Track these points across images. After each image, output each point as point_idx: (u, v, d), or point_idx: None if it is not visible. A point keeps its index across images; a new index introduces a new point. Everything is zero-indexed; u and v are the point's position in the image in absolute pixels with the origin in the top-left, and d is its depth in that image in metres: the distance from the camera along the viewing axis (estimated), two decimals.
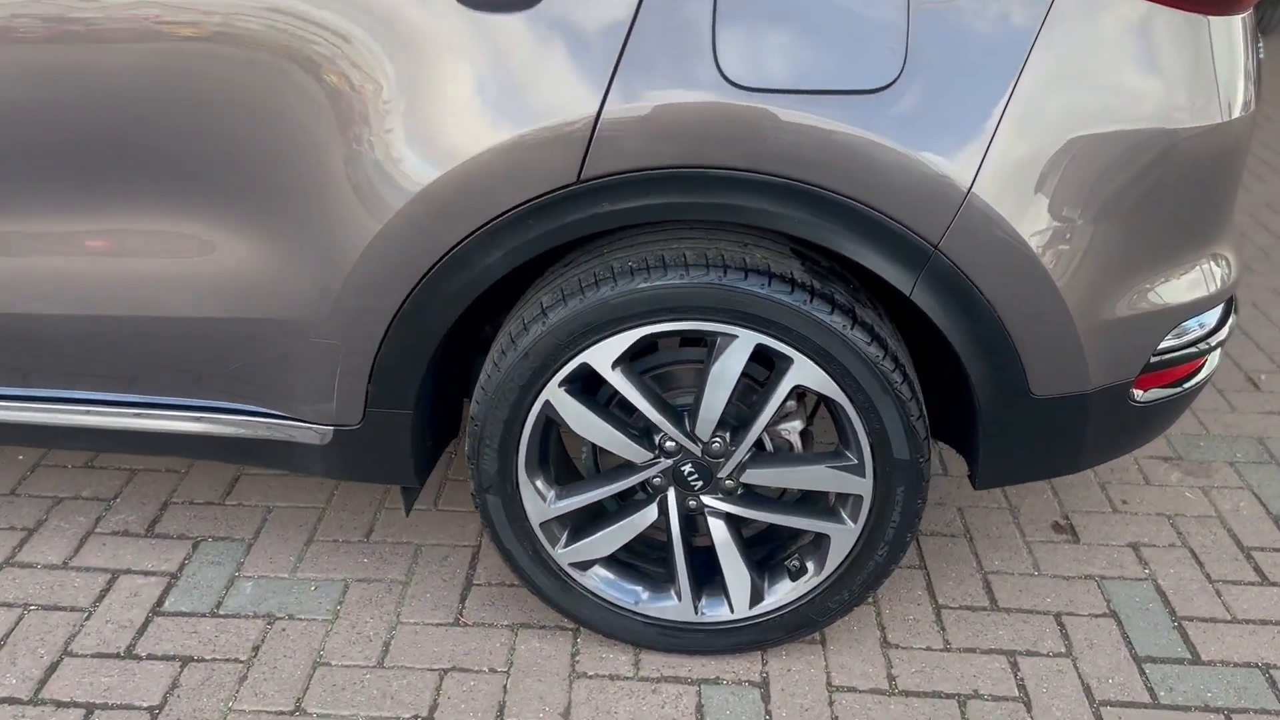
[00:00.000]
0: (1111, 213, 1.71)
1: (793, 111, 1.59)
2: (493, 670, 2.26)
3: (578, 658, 2.29)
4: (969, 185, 1.62)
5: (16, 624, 2.34)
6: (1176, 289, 1.86)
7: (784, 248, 1.84)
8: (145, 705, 2.16)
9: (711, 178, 1.64)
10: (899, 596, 2.45)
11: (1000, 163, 1.61)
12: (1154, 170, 1.69)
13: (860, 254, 1.70)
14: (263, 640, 2.33)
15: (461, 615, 2.41)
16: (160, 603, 2.44)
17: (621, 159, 1.63)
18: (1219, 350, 2.06)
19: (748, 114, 1.59)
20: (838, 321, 1.75)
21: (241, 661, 2.27)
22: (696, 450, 1.94)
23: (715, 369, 1.85)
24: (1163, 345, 1.90)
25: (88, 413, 2.04)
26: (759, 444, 2.02)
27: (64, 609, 2.39)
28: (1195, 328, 1.95)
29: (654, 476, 2.00)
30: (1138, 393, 1.91)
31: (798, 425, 2.06)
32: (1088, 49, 1.60)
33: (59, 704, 2.13)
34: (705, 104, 1.59)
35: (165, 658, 2.28)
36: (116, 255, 1.89)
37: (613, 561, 2.16)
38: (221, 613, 2.41)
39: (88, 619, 2.38)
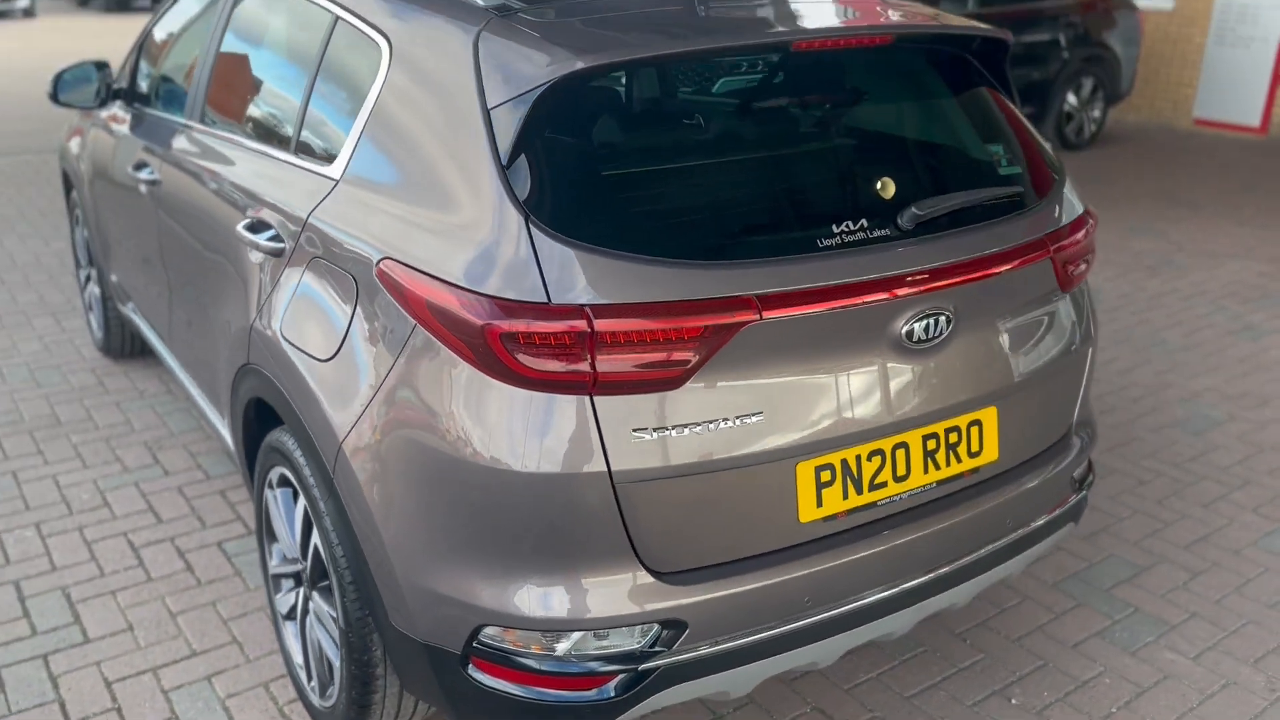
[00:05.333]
0: (422, 510, 1.93)
1: (284, 357, 2.25)
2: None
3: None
4: (341, 439, 2.04)
5: None
6: (487, 593, 1.89)
7: None
8: None
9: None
10: None
11: (362, 442, 2.00)
12: (443, 488, 1.90)
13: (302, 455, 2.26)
14: None
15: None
16: None
17: None
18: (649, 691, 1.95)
19: (275, 346, 2.31)
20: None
21: None
22: (299, 569, 2.46)
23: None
24: (502, 641, 1.93)
25: None
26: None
27: None
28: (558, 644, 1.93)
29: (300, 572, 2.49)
30: (479, 674, 1.95)
31: None
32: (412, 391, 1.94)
33: None
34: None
35: None
36: None
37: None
38: None
39: None
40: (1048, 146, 2.45)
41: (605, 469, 1.80)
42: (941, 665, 2.74)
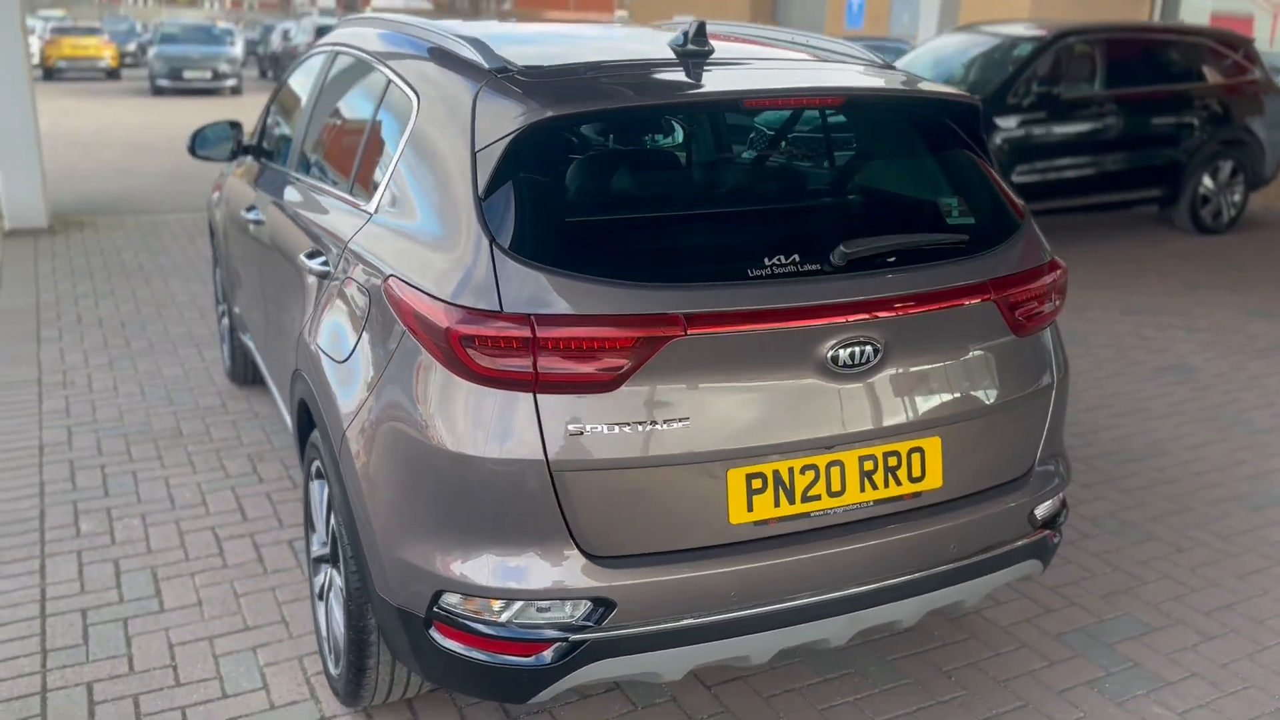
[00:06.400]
0: (397, 488, 2.26)
1: (317, 361, 2.68)
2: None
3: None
4: (345, 427, 2.41)
5: None
6: (445, 563, 2.19)
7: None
8: None
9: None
10: None
11: (358, 430, 2.37)
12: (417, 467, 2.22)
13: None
14: None
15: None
16: None
17: None
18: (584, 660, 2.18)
19: (313, 352, 2.73)
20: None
21: None
22: (326, 551, 2.80)
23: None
24: (462, 607, 2.20)
25: None
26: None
27: None
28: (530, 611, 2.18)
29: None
30: (438, 636, 2.23)
31: None
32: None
33: None
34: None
35: None
36: None
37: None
38: None
39: None
40: (1019, 200, 2.61)
41: (544, 458, 2.07)
42: (920, 697, 2.84)
